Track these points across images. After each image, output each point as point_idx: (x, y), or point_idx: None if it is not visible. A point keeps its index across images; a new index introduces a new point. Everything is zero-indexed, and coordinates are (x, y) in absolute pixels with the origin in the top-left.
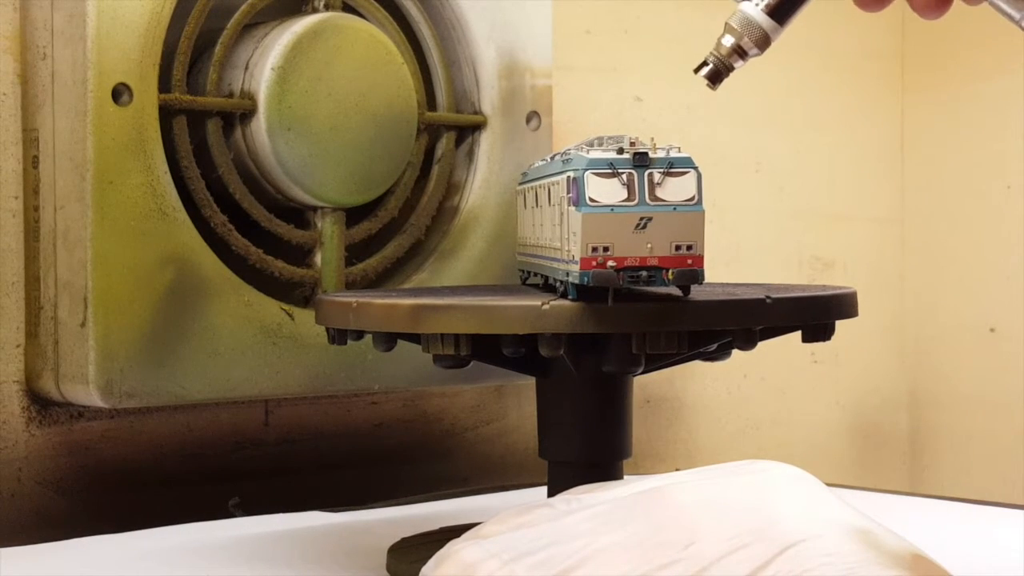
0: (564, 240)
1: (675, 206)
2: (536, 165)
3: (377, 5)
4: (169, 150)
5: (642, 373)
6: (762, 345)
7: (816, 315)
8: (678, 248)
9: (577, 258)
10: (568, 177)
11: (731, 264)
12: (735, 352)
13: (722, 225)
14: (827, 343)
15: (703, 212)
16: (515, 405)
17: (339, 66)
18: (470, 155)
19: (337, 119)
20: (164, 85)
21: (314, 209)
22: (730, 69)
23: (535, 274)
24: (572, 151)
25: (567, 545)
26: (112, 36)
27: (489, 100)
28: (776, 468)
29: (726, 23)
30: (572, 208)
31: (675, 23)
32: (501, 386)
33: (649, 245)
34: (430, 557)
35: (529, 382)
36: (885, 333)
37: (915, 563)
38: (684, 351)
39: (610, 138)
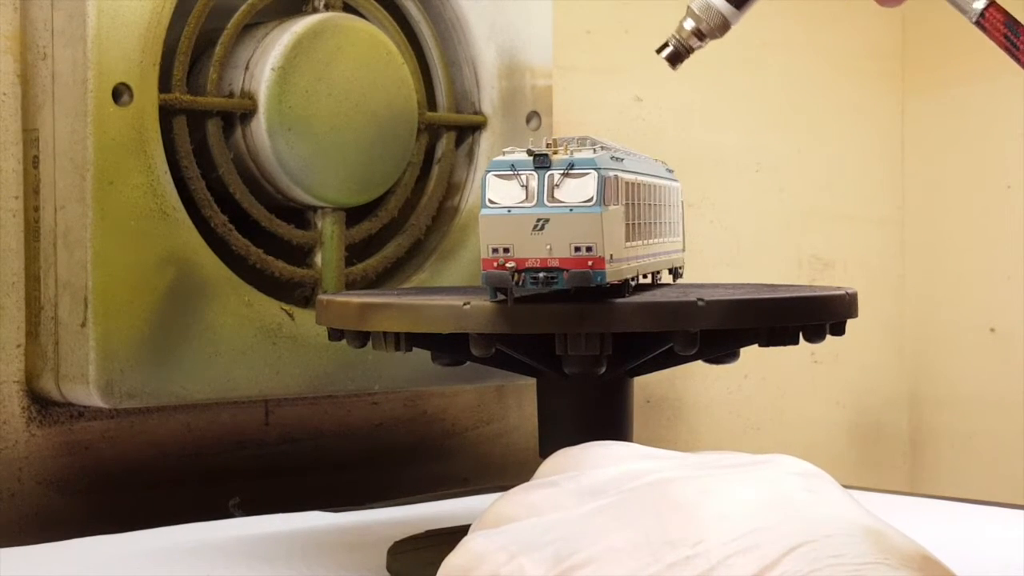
0: None
1: (572, 207)
2: None
3: (377, 5)
4: (169, 150)
5: (630, 375)
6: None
7: (758, 319)
8: (577, 249)
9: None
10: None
11: (731, 264)
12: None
13: (722, 225)
14: (826, 344)
15: (600, 213)
16: (515, 405)
17: (339, 66)
18: (470, 155)
19: (337, 119)
20: (164, 85)
21: (314, 209)
22: (690, 51)
23: None
24: None
25: (575, 541)
26: (112, 36)
27: (489, 100)
28: (786, 462)
29: (688, 6)
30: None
31: (675, 23)
32: (501, 386)
33: (548, 246)
34: (430, 557)
35: (529, 382)
36: (885, 333)
37: (924, 565)
38: (608, 352)
39: (549, 141)
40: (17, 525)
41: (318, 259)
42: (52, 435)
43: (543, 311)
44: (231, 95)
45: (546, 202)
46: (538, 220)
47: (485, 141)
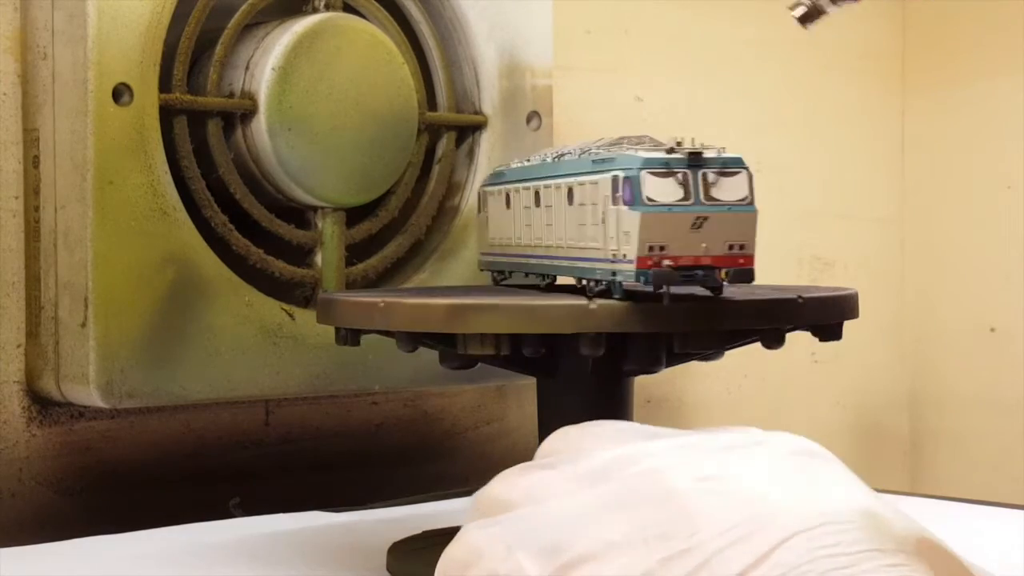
0: (608, 240)
1: (730, 206)
2: (517, 166)
3: (377, 5)
4: (169, 150)
5: (631, 376)
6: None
7: (838, 314)
8: (731, 247)
9: (631, 257)
10: (615, 177)
11: None
12: (736, 352)
13: None
14: (826, 343)
15: (756, 212)
16: (515, 405)
17: (340, 66)
18: (471, 155)
19: (338, 119)
20: (164, 85)
21: (314, 209)
22: (822, 13)
23: (526, 274)
24: (574, 151)
25: (572, 534)
26: (112, 36)
27: (490, 100)
28: (783, 441)
29: None
30: (624, 207)
31: (675, 23)
32: (501, 386)
33: (704, 245)
34: (430, 557)
35: (530, 382)
36: (885, 333)
37: (921, 548)
38: (714, 349)
39: (621, 139)
40: (17, 525)
41: (318, 259)
42: (52, 435)
43: (669, 310)
44: (231, 95)
45: (703, 200)
46: (697, 218)
47: (485, 141)
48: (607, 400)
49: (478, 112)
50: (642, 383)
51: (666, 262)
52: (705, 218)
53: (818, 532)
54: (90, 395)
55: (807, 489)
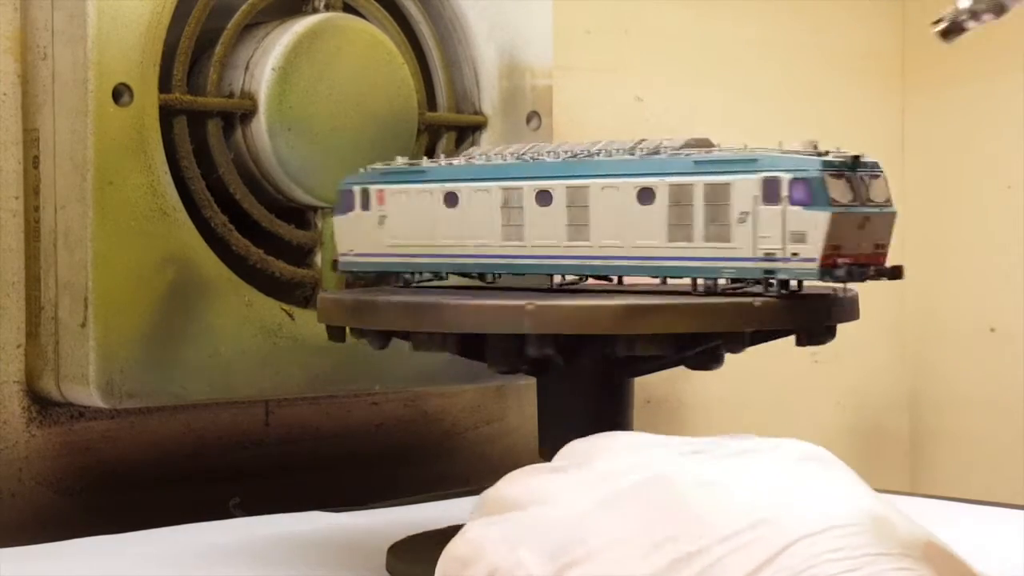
0: (758, 239)
1: (881, 207)
2: (451, 164)
3: (377, 5)
4: (169, 150)
5: (631, 376)
6: (762, 345)
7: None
8: (876, 247)
9: (811, 256)
10: (771, 178)
11: None
12: (735, 353)
13: None
14: (827, 344)
15: (896, 213)
16: (515, 405)
17: (339, 66)
18: None
19: (337, 119)
20: (164, 85)
21: (314, 209)
22: (963, 29)
23: (498, 275)
24: (581, 151)
25: (577, 535)
26: (112, 36)
27: (489, 100)
28: (790, 447)
29: None
30: (795, 208)
31: (675, 23)
32: (501, 386)
33: (863, 244)
34: (430, 557)
35: (530, 382)
36: (885, 333)
37: (927, 553)
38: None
39: (661, 140)
40: (17, 525)
41: (318, 259)
42: (52, 435)
43: (806, 305)
44: (231, 95)
45: (867, 202)
46: (864, 219)
47: (485, 141)
48: (607, 401)
49: (478, 112)
50: (642, 383)
51: (841, 260)
52: (868, 218)
53: (822, 537)
54: (90, 395)
55: (813, 494)
